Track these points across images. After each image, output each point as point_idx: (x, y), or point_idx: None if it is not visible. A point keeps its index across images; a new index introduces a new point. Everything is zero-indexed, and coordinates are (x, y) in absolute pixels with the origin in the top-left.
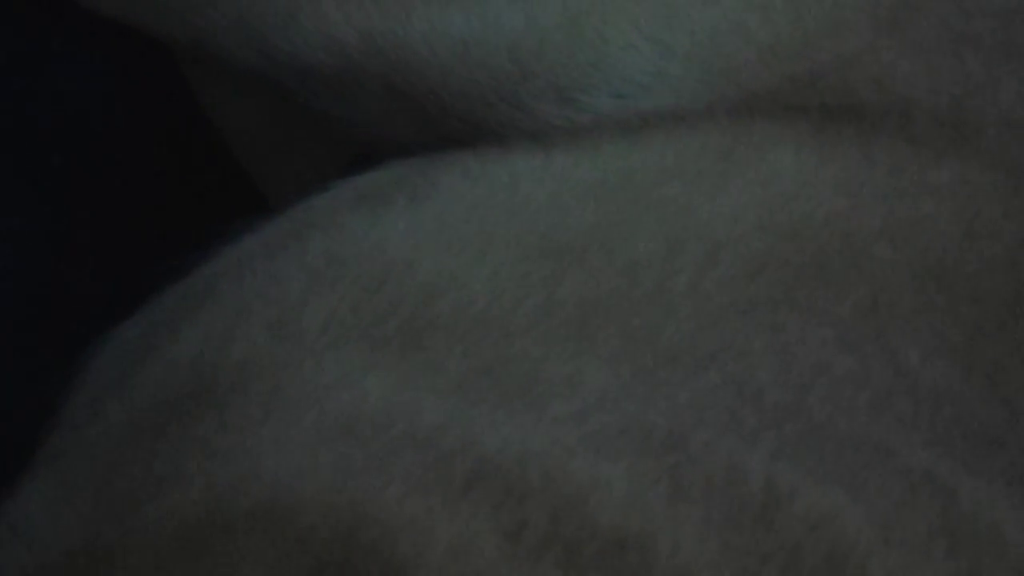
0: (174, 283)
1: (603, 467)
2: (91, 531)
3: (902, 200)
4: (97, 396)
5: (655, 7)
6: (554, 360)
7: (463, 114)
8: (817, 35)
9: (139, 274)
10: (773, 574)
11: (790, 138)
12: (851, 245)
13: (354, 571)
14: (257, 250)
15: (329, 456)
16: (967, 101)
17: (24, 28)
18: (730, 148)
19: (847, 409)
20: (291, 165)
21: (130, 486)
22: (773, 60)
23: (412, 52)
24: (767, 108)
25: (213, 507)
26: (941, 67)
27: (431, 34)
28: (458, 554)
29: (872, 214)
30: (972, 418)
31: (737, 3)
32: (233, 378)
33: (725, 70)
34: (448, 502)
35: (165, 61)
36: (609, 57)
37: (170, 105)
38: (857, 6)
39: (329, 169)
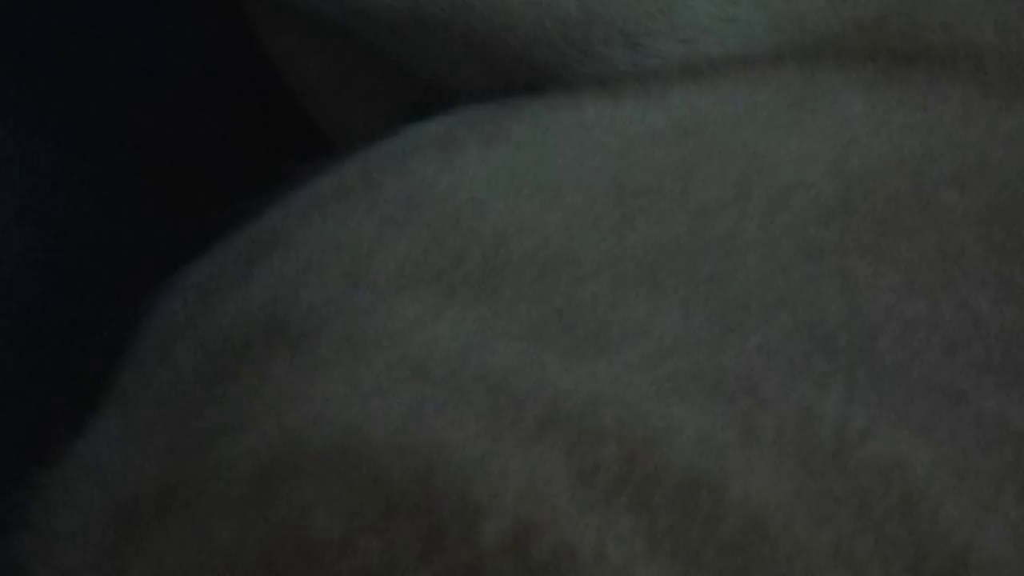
0: (243, 226)
1: (675, 411)
2: (162, 471)
3: (972, 146)
4: (166, 338)
5: None
6: (625, 305)
7: (530, 59)
8: None
9: (208, 216)
10: (846, 518)
11: (859, 83)
12: (920, 191)
13: (428, 513)
14: (328, 194)
15: (401, 398)
16: None
17: None
18: (800, 93)
19: (918, 353)
20: (356, 109)
21: (201, 427)
22: (840, 4)
23: None
24: (835, 53)
25: (285, 449)
26: (1010, 11)
27: None
28: (531, 496)
29: (942, 160)
30: None
31: None
32: (305, 322)
33: (792, 14)
34: (521, 445)
35: (232, 6)
36: (676, 2)
37: (234, 48)
38: None
39: (394, 113)
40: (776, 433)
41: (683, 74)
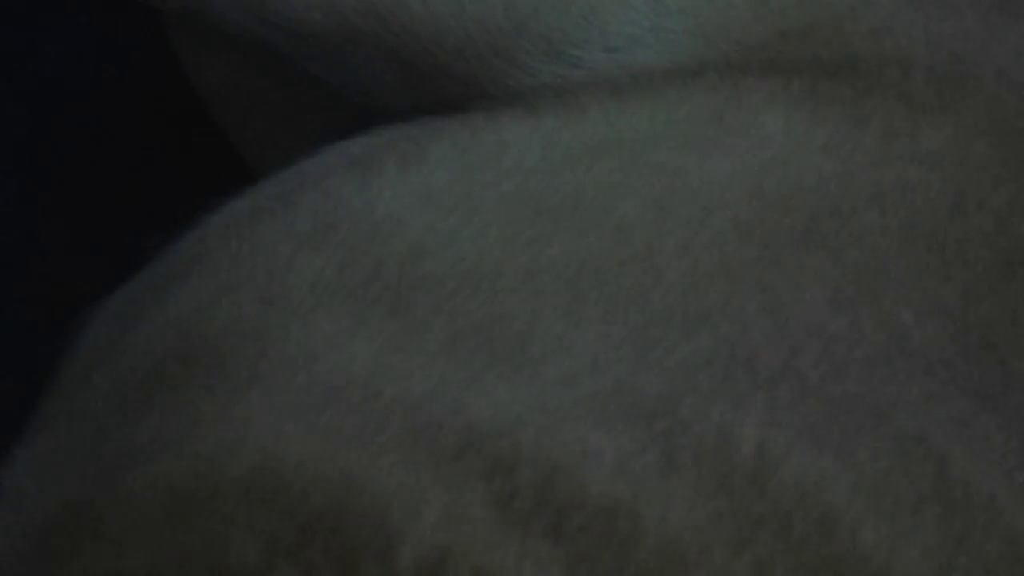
0: (162, 252)
1: (593, 435)
2: (77, 496)
3: (893, 166)
4: (87, 364)
5: None
6: (543, 321)
7: (456, 72)
8: None
9: (125, 244)
10: (763, 541)
11: (781, 99)
12: (841, 209)
13: (344, 538)
14: (244, 215)
15: (318, 422)
16: (965, 57)
17: None
18: (720, 110)
19: (840, 370)
20: (278, 135)
21: (117, 452)
22: (768, 13)
23: (407, 10)
24: (760, 66)
25: (201, 473)
26: (939, 21)
27: None
28: (448, 522)
29: (862, 179)
30: (965, 380)
31: None
32: (220, 343)
33: (718, 24)
34: (439, 470)
35: (150, 24)
36: (602, 10)
37: (154, 71)
38: None
39: (317, 137)
40: (695, 455)
41: (602, 91)
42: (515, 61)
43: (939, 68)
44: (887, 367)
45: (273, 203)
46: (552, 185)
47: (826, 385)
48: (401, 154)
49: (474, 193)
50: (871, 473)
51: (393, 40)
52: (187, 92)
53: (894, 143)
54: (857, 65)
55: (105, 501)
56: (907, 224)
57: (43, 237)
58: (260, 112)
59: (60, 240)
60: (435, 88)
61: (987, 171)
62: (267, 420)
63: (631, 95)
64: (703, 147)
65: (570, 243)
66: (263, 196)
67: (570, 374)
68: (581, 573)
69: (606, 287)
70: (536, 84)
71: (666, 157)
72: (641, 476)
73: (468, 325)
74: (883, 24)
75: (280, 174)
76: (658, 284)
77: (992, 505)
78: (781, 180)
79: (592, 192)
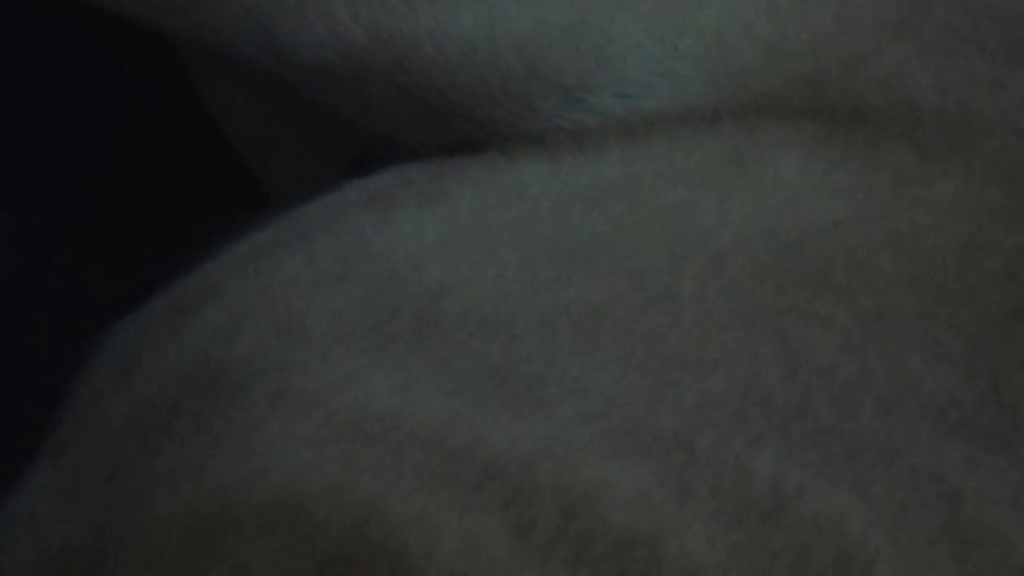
0: (178, 279)
1: (611, 467)
2: (95, 526)
3: (906, 211)
4: (101, 390)
5: (662, 6)
6: (561, 362)
7: (470, 114)
8: (824, 36)
9: (143, 270)
10: (781, 574)
11: (796, 143)
12: (854, 254)
13: (364, 567)
14: (263, 248)
15: (337, 453)
16: (973, 105)
17: (25, 23)
18: (736, 153)
19: (853, 412)
20: (294, 163)
21: (135, 482)
22: (780, 60)
23: (419, 51)
24: (773, 111)
25: (222, 503)
26: (948, 70)
27: (438, 33)
28: (467, 551)
29: (875, 224)
30: (975, 422)
31: (744, 3)
32: (239, 376)
33: (731, 70)
34: (457, 500)
35: (169, 57)
36: (615, 57)
37: (174, 101)
38: (864, 6)
39: (333, 168)
40: (711, 490)
41: (619, 133)
42: (529, 105)
43: (948, 116)
44: (898, 409)
45: (291, 236)
46: (570, 227)
47: (839, 424)
48: (420, 193)
49: (493, 234)
50: (886, 509)
51: (405, 80)
52: (207, 120)
53: (906, 189)
54: (868, 113)
55: (126, 528)
56: (918, 270)
57: (60, 263)
58: (278, 141)
59: (78, 266)
60: (450, 128)
61: (997, 218)
62: (287, 451)
63: (647, 138)
64: (718, 190)
65: (587, 286)
66: (281, 228)
67: (587, 413)
68: None
69: (622, 330)
70: (551, 128)
71: (682, 199)
72: (660, 508)
73: (487, 365)
74: (893, 73)
75: (299, 207)
76: (674, 327)
77: (1005, 541)
78: (796, 223)
79: (609, 234)
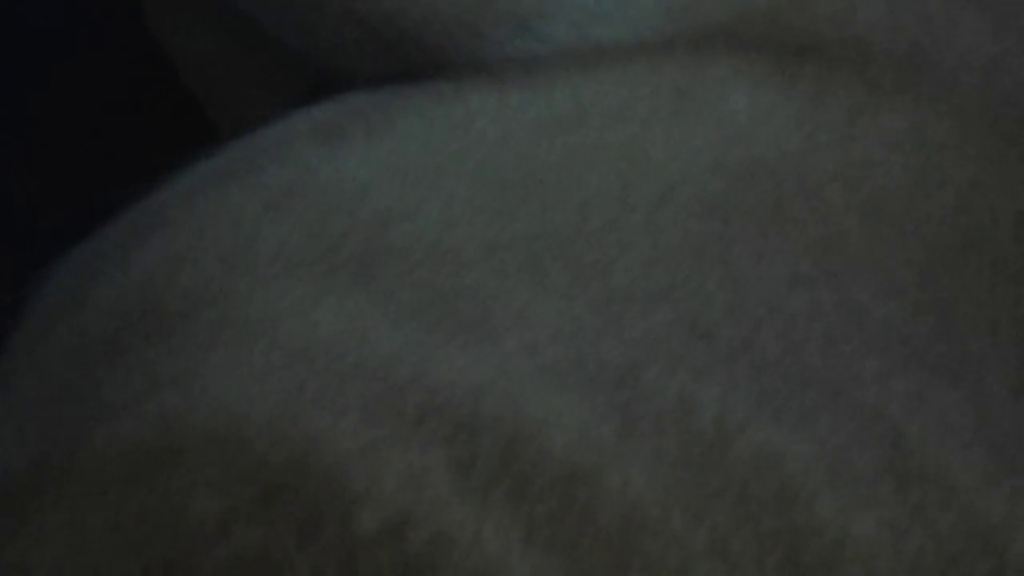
0: (126, 210)
1: (554, 402)
2: (38, 454)
3: (856, 144)
4: (47, 319)
5: None
6: (507, 293)
7: (422, 43)
8: None
9: (91, 200)
10: (722, 510)
11: (746, 76)
12: (803, 186)
13: (305, 499)
14: (210, 178)
15: (280, 384)
16: (925, 41)
17: None
18: (686, 86)
19: (799, 346)
20: (245, 95)
21: (78, 411)
22: None
23: None
24: (725, 44)
25: (162, 432)
26: (901, 7)
27: None
28: (409, 485)
29: (826, 156)
30: (924, 357)
31: None
32: (182, 305)
33: (684, 2)
34: (400, 433)
35: None
36: None
37: (123, 32)
38: None
39: (284, 100)
40: (655, 424)
41: (569, 64)
42: (481, 33)
43: (899, 53)
44: (845, 343)
45: (239, 166)
46: (518, 158)
47: (785, 359)
48: (368, 123)
49: (440, 164)
50: (829, 445)
51: (358, 7)
52: (157, 53)
53: (857, 122)
54: (819, 48)
55: (67, 457)
56: (868, 202)
57: (12, 191)
58: (226, 73)
59: (24, 194)
60: (401, 56)
61: (947, 152)
62: (229, 381)
63: (597, 69)
64: (667, 122)
65: (534, 217)
66: (229, 159)
67: (532, 344)
68: (541, 537)
69: (569, 261)
70: (502, 56)
71: (631, 131)
72: (602, 443)
73: (432, 296)
74: (846, 8)
75: (246, 138)
76: (621, 258)
77: (947, 478)
78: (745, 155)
79: (557, 166)
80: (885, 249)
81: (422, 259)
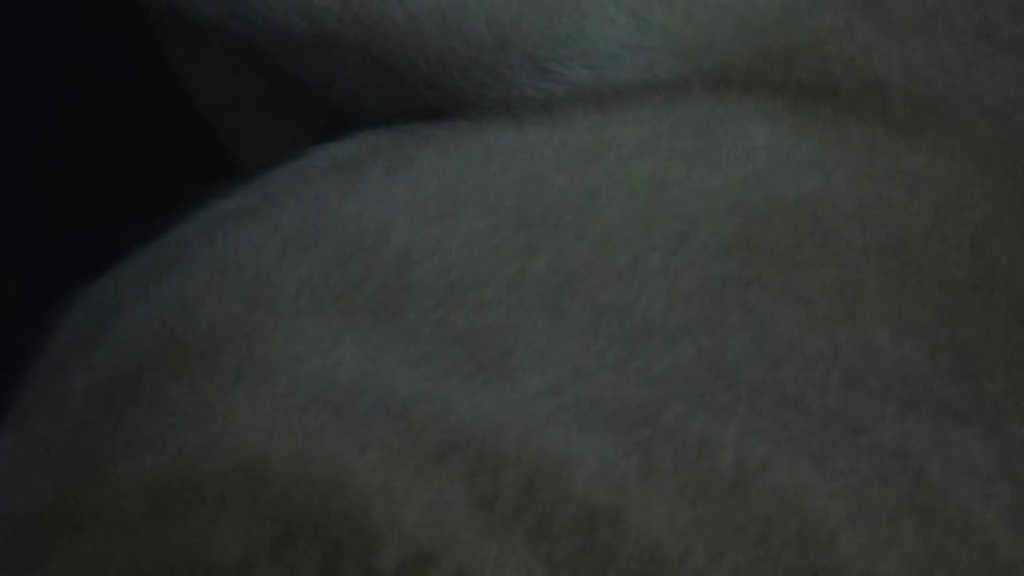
0: (145, 244)
1: (576, 440)
2: (59, 490)
3: (874, 184)
4: (65, 356)
5: None
6: (527, 331)
7: (439, 83)
8: (794, 11)
9: (108, 236)
10: (744, 548)
11: (765, 115)
12: (822, 226)
13: (326, 537)
14: (230, 214)
15: (302, 422)
16: (941, 84)
17: None
18: (705, 123)
19: (819, 385)
20: (263, 129)
21: (99, 449)
22: (749, 35)
23: (390, 19)
24: (743, 84)
25: (184, 470)
26: (916, 48)
27: (409, 1)
28: (430, 522)
29: (844, 196)
30: (941, 397)
31: None
32: (204, 343)
33: (701, 44)
34: (421, 470)
35: (139, 22)
36: (586, 29)
37: (143, 66)
38: None
39: (301, 134)
40: (675, 463)
41: (588, 101)
42: (499, 75)
43: (916, 95)
44: (864, 383)
45: (258, 203)
46: (537, 194)
47: (805, 398)
48: (386, 160)
49: (459, 201)
50: (849, 483)
51: (376, 48)
52: (176, 86)
53: (875, 163)
54: (837, 89)
55: (88, 495)
56: (886, 243)
57: (24, 227)
58: (245, 107)
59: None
60: (418, 96)
61: (963, 193)
62: (251, 419)
63: (615, 107)
64: (687, 160)
65: (554, 255)
66: (248, 195)
67: (552, 383)
68: (563, 575)
69: (589, 299)
70: (519, 97)
71: (650, 168)
72: (623, 481)
73: (453, 334)
74: (862, 50)
75: (265, 174)
76: (641, 298)
77: (968, 516)
78: (763, 195)
79: (576, 202)
80: (902, 290)
81: (443, 298)
